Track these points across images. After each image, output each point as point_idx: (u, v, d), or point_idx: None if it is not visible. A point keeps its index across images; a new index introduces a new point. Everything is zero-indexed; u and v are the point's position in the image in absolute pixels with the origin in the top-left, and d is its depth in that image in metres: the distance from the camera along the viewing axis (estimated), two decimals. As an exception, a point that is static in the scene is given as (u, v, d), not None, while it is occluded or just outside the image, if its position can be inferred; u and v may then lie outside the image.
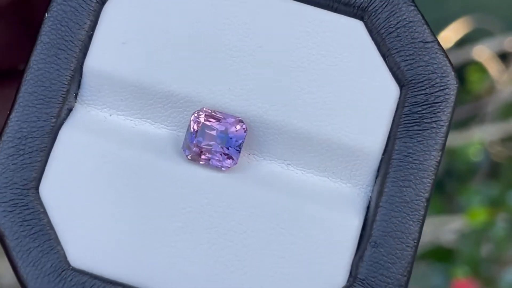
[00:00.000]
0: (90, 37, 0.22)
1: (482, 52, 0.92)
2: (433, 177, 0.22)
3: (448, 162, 0.89)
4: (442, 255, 0.82)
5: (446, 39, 0.93)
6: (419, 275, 0.80)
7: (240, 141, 0.22)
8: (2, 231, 0.21)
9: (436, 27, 0.93)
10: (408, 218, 0.21)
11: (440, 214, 0.86)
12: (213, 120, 0.22)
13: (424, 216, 0.21)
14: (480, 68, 0.93)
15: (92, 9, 0.22)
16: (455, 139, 0.88)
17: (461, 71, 0.95)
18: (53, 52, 0.22)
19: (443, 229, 0.84)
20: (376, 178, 0.22)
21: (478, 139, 0.89)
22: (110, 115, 0.23)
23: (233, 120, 0.22)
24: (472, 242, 0.80)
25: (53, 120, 0.22)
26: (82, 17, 0.22)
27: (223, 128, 0.22)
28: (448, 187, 0.90)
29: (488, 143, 0.90)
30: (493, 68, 0.91)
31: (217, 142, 0.22)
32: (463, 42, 0.93)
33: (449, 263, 0.81)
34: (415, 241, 0.21)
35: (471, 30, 0.93)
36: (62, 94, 0.22)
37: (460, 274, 0.81)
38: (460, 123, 0.91)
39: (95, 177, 0.22)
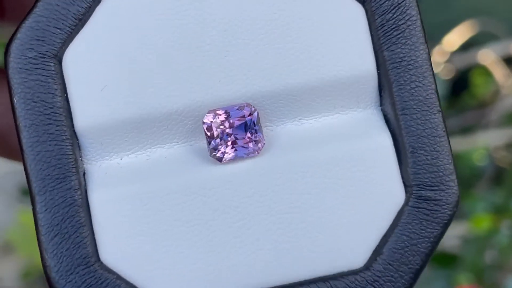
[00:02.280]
0: (67, 100, 0.22)
1: (487, 56, 0.92)
2: (431, 69, 0.22)
3: (452, 167, 0.88)
4: (445, 261, 0.82)
5: (451, 42, 0.92)
6: (422, 281, 0.80)
7: (257, 122, 0.22)
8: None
9: (441, 30, 0.92)
10: (429, 113, 0.22)
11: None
12: (223, 117, 0.22)
13: (441, 106, 0.22)
14: (485, 71, 0.93)
15: (54, 72, 0.22)
16: (460, 144, 0.87)
17: (466, 75, 0.94)
18: (43, 131, 0.22)
19: (447, 234, 0.83)
20: (381, 92, 0.23)
21: (482, 144, 0.89)
22: (121, 159, 0.22)
23: (240, 107, 0.22)
24: (475, 248, 0.80)
25: (78, 192, 0.22)
26: (49, 84, 0.22)
27: (236, 119, 0.22)
28: (452, 193, 0.90)
29: (493, 148, 0.90)
30: (498, 72, 0.91)
31: (238, 134, 0.22)
32: (468, 46, 0.93)
33: (452, 269, 0.81)
34: (444, 130, 0.22)
35: (476, 33, 0.92)
36: (73, 164, 0.22)
37: (463, 280, 0.80)
38: (465, 128, 0.91)
39: (142, 220, 0.22)
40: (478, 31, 0.93)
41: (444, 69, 0.92)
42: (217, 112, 0.22)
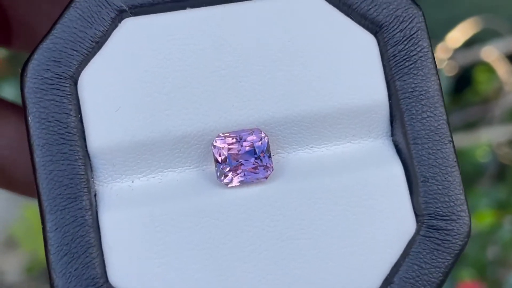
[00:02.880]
0: (81, 120, 0.22)
1: (491, 53, 0.92)
2: (442, 99, 0.22)
3: (455, 164, 0.88)
4: (448, 257, 0.82)
5: (454, 39, 0.92)
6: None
7: (267, 148, 0.22)
8: None
9: (444, 28, 0.93)
10: (441, 143, 0.22)
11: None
12: (233, 141, 0.22)
13: (451, 136, 0.22)
14: (488, 68, 0.93)
15: (69, 93, 0.22)
16: (463, 141, 0.87)
17: (469, 72, 0.94)
18: (56, 150, 0.22)
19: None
20: (392, 123, 0.23)
21: (485, 141, 0.89)
22: (133, 181, 0.22)
23: (250, 132, 0.22)
24: (478, 244, 0.80)
25: (89, 212, 0.22)
26: (64, 104, 0.22)
27: (246, 144, 0.22)
28: (454, 189, 0.90)
29: (496, 145, 0.90)
30: (501, 69, 0.91)
31: (247, 159, 0.22)
32: (472, 43, 0.93)
33: (455, 265, 0.81)
34: (455, 160, 0.22)
35: (479, 30, 0.93)
36: (84, 184, 0.22)
37: (466, 276, 0.81)
38: (468, 125, 0.91)
39: (151, 244, 0.22)
40: (481, 28, 0.93)
41: (448, 66, 0.92)
42: (227, 136, 0.22)
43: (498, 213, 0.81)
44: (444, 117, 0.22)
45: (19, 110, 0.30)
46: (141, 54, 0.22)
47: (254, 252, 0.22)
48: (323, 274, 0.22)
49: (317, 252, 0.22)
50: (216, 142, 0.22)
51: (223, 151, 0.22)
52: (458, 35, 0.93)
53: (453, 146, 0.22)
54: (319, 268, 0.22)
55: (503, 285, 0.80)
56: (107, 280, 0.22)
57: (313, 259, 0.22)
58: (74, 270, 0.22)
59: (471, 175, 0.88)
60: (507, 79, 0.91)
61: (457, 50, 0.93)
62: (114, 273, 0.22)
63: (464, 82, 0.94)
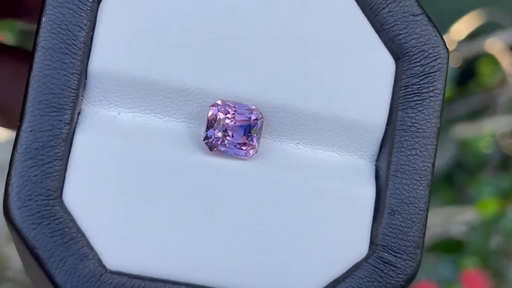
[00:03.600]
0: (91, 38, 0.22)
1: (494, 45, 0.92)
2: (435, 143, 0.23)
3: (458, 154, 0.89)
4: (451, 247, 0.82)
5: (458, 32, 0.93)
6: (428, 266, 0.80)
7: (259, 129, 0.22)
8: (33, 244, 0.21)
9: (448, 20, 0.93)
10: (418, 184, 0.22)
11: (450, 205, 0.86)
12: (230, 112, 0.22)
13: (431, 181, 0.23)
14: (492, 60, 0.93)
15: (89, 9, 0.22)
16: (466, 132, 0.88)
17: (473, 64, 0.95)
18: (58, 58, 0.22)
19: (453, 220, 0.84)
20: (381, 148, 0.23)
21: (489, 132, 0.89)
22: (119, 113, 0.22)
23: (248, 109, 0.22)
24: (481, 234, 0.81)
25: (67, 127, 0.22)
26: (81, 18, 0.22)
27: (241, 118, 0.22)
28: (458, 179, 0.90)
29: (499, 135, 0.90)
30: (505, 60, 0.91)
31: (237, 133, 0.22)
32: (475, 35, 0.93)
33: (458, 254, 0.81)
34: (426, 204, 0.22)
35: (483, 23, 0.93)
36: (73, 99, 0.22)
37: (469, 265, 0.81)
38: (471, 115, 0.91)
39: (116, 178, 0.22)
40: (485, 20, 0.93)
41: (452, 58, 0.92)
42: (227, 104, 0.22)
43: (501, 202, 0.81)
44: (431, 160, 0.22)
45: (14, 51, 0.30)
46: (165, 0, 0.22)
47: (209, 221, 0.22)
48: (268, 261, 0.22)
49: (268, 240, 0.22)
50: (214, 105, 0.22)
51: (220, 115, 0.22)
52: (462, 28, 0.93)
53: (429, 191, 0.22)
54: (268, 257, 0.22)
55: (506, 274, 0.80)
56: (60, 196, 0.21)
57: (267, 246, 0.22)
58: (33, 176, 0.21)
59: (475, 165, 0.89)
60: (510, 71, 0.91)
61: (461, 42, 0.93)
62: (70, 192, 0.21)
63: (468, 74, 0.94)
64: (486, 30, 0.93)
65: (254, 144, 0.22)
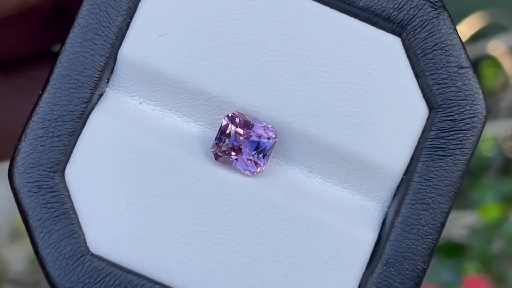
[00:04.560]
0: (127, 25, 0.22)
1: (497, 47, 0.92)
2: (451, 203, 0.22)
3: (460, 157, 0.88)
4: (453, 250, 0.82)
5: (460, 33, 0.92)
6: (430, 270, 0.80)
7: (269, 149, 0.22)
8: (26, 211, 0.21)
9: (450, 21, 0.92)
10: (422, 241, 0.22)
11: (452, 209, 0.86)
12: (244, 125, 0.22)
13: (437, 240, 0.22)
14: (494, 63, 0.93)
15: None
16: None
17: (475, 66, 0.94)
18: (90, 37, 0.22)
19: (455, 224, 0.84)
20: (394, 196, 0.22)
21: (491, 135, 0.89)
22: (140, 103, 0.22)
23: (264, 126, 0.22)
24: (483, 238, 0.80)
25: (84, 105, 0.22)
26: (122, 3, 0.22)
27: (254, 134, 0.22)
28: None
29: (501, 138, 0.90)
30: (507, 63, 0.91)
31: (246, 148, 0.22)
32: (478, 37, 0.93)
33: (460, 258, 0.81)
34: (426, 264, 0.22)
35: (485, 24, 0.93)
36: (95, 80, 0.22)
37: (471, 269, 0.81)
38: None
39: (120, 166, 0.22)
40: (487, 22, 0.93)
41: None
42: (243, 117, 0.22)
43: (503, 206, 0.81)
44: (441, 220, 0.21)
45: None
46: (205, 4, 0.22)
47: (197, 227, 0.22)
48: (243, 280, 0.22)
49: (250, 264, 0.22)
50: (230, 115, 0.22)
51: (232, 127, 0.22)
52: (464, 30, 0.93)
53: (433, 249, 0.22)
54: (244, 276, 0.22)
55: (508, 278, 0.80)
56: (62, 170, 0.22)
57: (243, 267, 0.22)
58: (41, 145, 0.22)
59: (477, 169, 0.88)
60: (513, 74, 0.91)
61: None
62: (72, 168, 0.22)
63: (470, 76, 0.94)
64: (489, 32, 0.93)
65: (260, 162, 0.22)
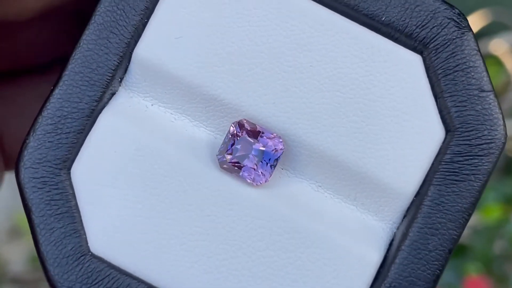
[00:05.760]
0: (144, 25, 0.22)
1: (499, 46, 0.92)
2: (461, 230, 0.21)
3: (462, 157, 0.88)
4: (454, 251, 0.82)
5: (462, 32, 0.92)
6: (431, 271, 0.80)
7: (275, 159, 0.21)
8: (30, 206, 0.21)
9: (452, 20, 0.92)
10: (427, 267, 0.21)
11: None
12: (252, 134, 0.22)
13: (444, 267, 0.21)
14: (497, 62, 0.92)
15: None
16: (470, 134, 0.87)
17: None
18: (105, 35, 0.22)
19: (456, 224, 0.83)
20: (404, 217, 0.22)
21: (493, 135, 0.88)
22: (152, 105, 0.22)
23: (272, 136, 0.22)
24: (485, 238, 0.80)
25: (95, 103, 0.22)
26: (140, 3, 0.22)
27: (261, 144, 0.22)
28: (462, 182, 0.90)
29: (503, 138, 0.89)
30: (510, 62, 0.91)
31: (252, 157, 0.21)
32: (480, 36, 0.92)
33: (461, 259, 0.81)
34: None
35: (488, 23, 0.92)
36: (107, 78, 0.22)
37: (472, 270, 0.80)
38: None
39: (126, 168, 0.22)
40: (490, 21, 0.92)
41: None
42: (252, 125, 0.22)
43: (505, 207, 0.81)
44: (449, 245, 0.21)
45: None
46: (223, 10, 0.22)
47: (199, 235, 0.21)
48: None
49: (251, 277, 0.21)
50: (237, 123, 0.22)
51: (238, 135, 0.22)
52: (466, 28, 0.92)
53: (439, 276, 0.21)
54: (241, 287, 0.21)
55: (509, 279, 0.80)
56: (69, 168, 0.22)
57: (243, 279, 0.21)
58: (48, 141, 0.22)
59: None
60: (515, 73, 0.91)
61: (465, 43, 0.92)
62: (78, 166, 0.22)
63: (472, 75, 0.94)
64: (491, 30, 0.92)
65: (265, 172, 0.22)
